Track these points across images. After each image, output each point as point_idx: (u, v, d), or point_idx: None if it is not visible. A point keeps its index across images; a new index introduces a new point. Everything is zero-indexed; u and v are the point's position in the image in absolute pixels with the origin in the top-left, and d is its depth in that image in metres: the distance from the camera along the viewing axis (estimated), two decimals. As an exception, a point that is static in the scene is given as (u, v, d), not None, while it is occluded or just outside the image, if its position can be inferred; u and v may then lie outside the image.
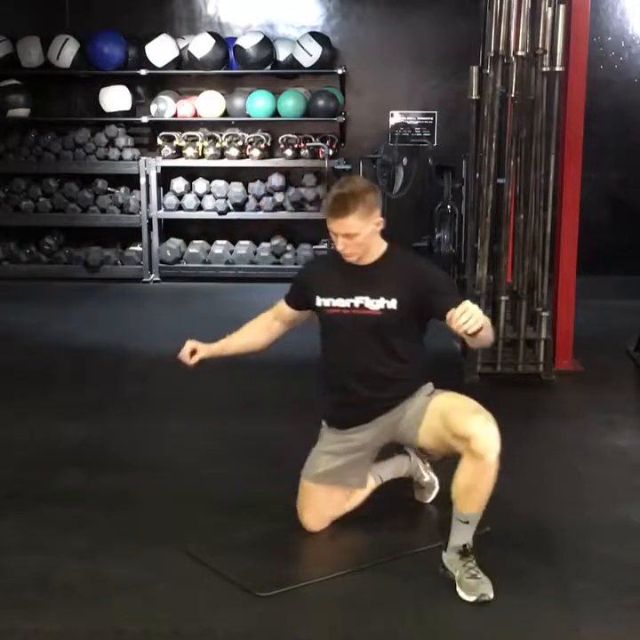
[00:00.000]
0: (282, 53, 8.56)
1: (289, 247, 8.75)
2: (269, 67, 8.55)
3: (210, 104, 8.60)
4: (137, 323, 7.19)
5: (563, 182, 5.64)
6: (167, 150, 8.61)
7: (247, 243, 8.78)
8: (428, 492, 3.75)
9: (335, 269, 3.42)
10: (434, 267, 3.65)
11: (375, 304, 3.32)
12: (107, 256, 8.73)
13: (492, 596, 3.03)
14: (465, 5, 7.66)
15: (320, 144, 8.40)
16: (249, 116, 8.62)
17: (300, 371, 5.32)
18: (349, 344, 3.39)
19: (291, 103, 8.51)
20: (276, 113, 8.57)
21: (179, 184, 8.72)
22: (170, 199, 8.69)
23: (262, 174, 8.71)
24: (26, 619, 2.98)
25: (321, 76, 8.73)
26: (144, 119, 8.71)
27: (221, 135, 8.65)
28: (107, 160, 8.69)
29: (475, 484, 3.09)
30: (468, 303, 3.02)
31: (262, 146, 8.60)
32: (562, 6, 5.31)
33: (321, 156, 8.42)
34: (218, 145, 8.62)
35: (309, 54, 8.43)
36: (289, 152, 8.61)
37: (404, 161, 7.89)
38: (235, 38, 8.54)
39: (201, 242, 8.83)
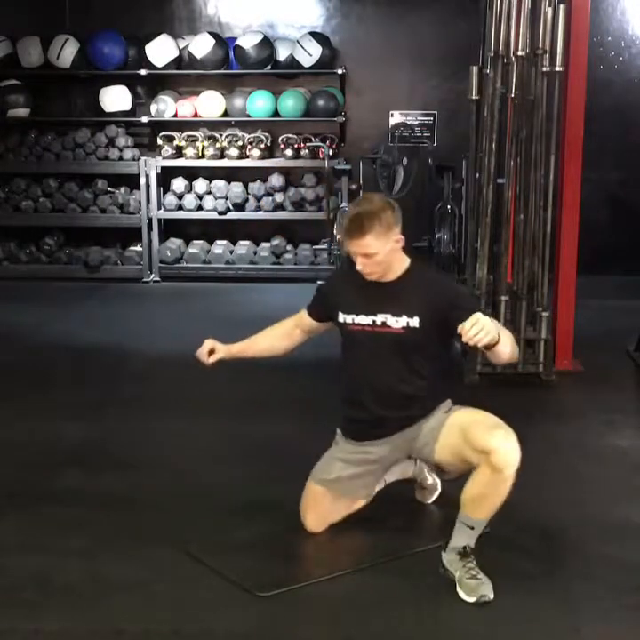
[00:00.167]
0: (282, 53, 8.56)
1: (289, 247, 8.75)
2: (269, 67, 8.55)
3: (210, 104, 8.60)
4: (137, 323, 7.19)
5: (563, 182, 5.64)
6: (167, 150, 8.61)
7: (247, 243, 8.78)
8: (430, 494, 3.74)
9: (358, 285, 3.36)
10: (455, 283, 3.62)
11: (397, 322, 3.29)
12: (107, 256, 8.73)
13: (492, 596, 3.03)
14: (465, 5, 7.67)
15: (320, 144, 8.40)
16: (249, 116, 8.62)
17: (302, 371, 5.34)
18: (370, 361, 3.37)
19: (291, 103, 8.52)
20: (276, 113, 8.57)
21: (179, 184, 8.72)
22: (170, 199, 8.69)
23: (262, 174, 8.70)
24: (26, 619, 2.98)
25: (321, 76, 8.72)
26: (144, 119, 8.71)
27: (221, 135, 8.65)
28: (107, 160, 8.69)
29: (488, 495, 3.08)
30: (478, 315, 3.00)
31: (262, 146, 8.60)
32: (562, 6, 5.31)
33: (321, 156, 8.42)
34: (218, 145, 8.62)
35: (309, 54, 8.43)
36: (289, 152, 8.61)
37: (404, 161, 7.89)
38: (235, 38, 8.54)
39: (201, 242, 8.83)
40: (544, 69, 5.34)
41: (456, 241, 7.51)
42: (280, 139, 8.66)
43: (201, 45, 8.40)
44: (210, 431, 4.68)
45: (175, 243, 8.74)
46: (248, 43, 8.37)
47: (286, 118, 8.57)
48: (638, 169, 8.57)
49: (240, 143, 8.60)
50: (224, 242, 8.81)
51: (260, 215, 8.72)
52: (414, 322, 3.28)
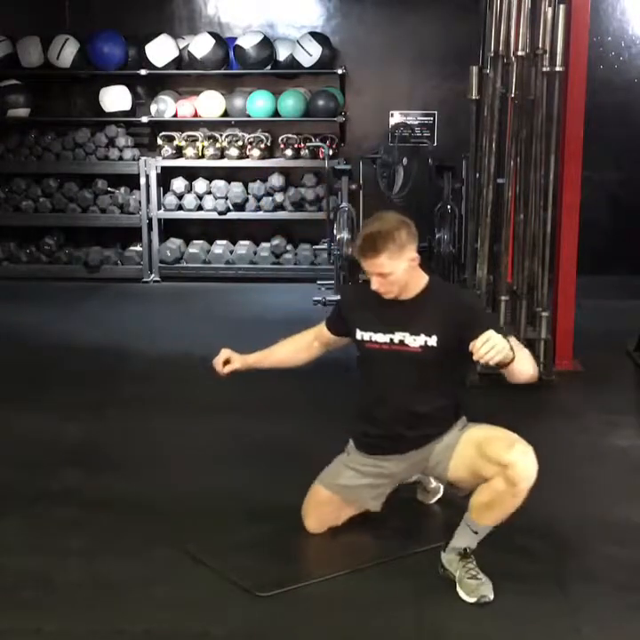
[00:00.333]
0: (282, 53, 8.56)
1: (289, 247, 8.75)
2: (269, 67, 8.55)
3: (210, 104, 8.60)
4: (137, 323, 7.19)
5: (563, 182, 5.64)
6: (167, 150, 8.61)
7: (247, 243, 8.78)
8: (432, 496, 3.73)
9: (375, 302, 3.30)
10: (475, 300, 3.54)
11: (415, 341, 3.24)
12: (107, 256, 8.73)
13: (492, 596, 3.03)
14: (465, 5, 7.67)
15: (320, 144, 8.39)
16: (249, 116, 8.62)
17: (304, 371, 5.32)
18: (387, 379, 3.33)
19: (291, 103, 8.51)
20: (276, 113, 8.57)
21: (179, 184, 8.72)
22: (170, 199, 8.69)
23: (262, 174, 8.70)
24: (26, 619, 2.98)
25: (321, 76, 8.72)
26: (144, 119, 8.70)
27: (221, 135, 8.65)
28: (107, 160, 8.69)
29: (498, 505, 3.06)
30: (490, 333, 2.93)
31: (262, 146, 8.60)
32: (562, 6, 5.31)
33: (321, 156, 8.42)
34: (218, 145, 8.62)
35: (309, 54, 8.42)
36: (289, 152, 8.61)
37: (404, 161, 7.88)
38: (235, 38, 8.54)
39: (201, 242, 8.83)
40: (544, 69, 5.34)
41: (456, 241, 7.50)
42: (280, 139, 8.66)
43: (201, 45, 8.40)
44: (210, 431, 4.68)
45: (175, 243, 8.74)
46: (248, 43, 8.37)
47: (286, 118, 8.57)
48: (638, 169, 8.57)
49: (240, 143, 8.60)
50: (224, 242, 8.80)
51: (260, 215, 8.72)
52: (432, 341, 3.22)
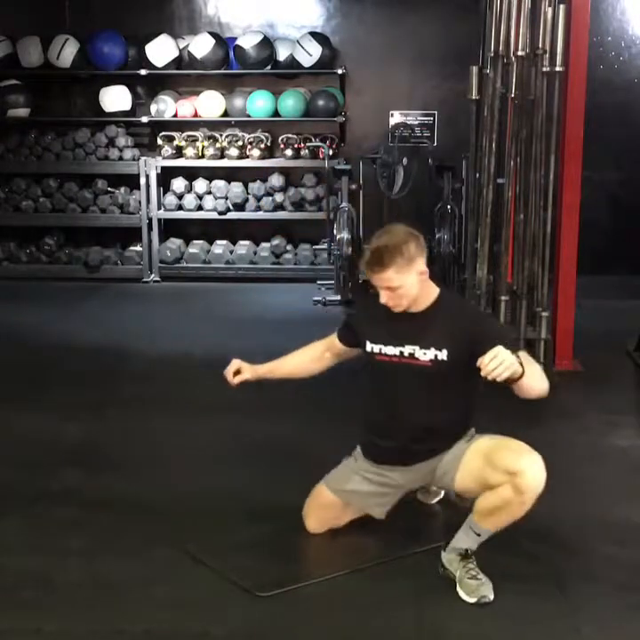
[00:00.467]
0: (282, 53, 8.56)
1: (289, 247, 8.75)
2: (269, 67, 8.55)
3: (210, 104, 8.60)
4: (137, 323, 7.19)
5: (563, 182, 5.64)
6: (167, 150, 8.61)
7: (247, 243, 8.78)
8: (433, 497, 3.72)
9: (386, 315, 3.26)
10: (486, 313, 3.50)
11: (425, 354, 3.21)
12: (107, 256, 8.73)
13: (492, 597, 3.03)
14: (465, 5, 7.67)
15: (320, 144, 8.40)
16: (249, 116, 8.62)
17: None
18: (396, 392, 3.30)
19: (291, 103, 8.51)
20: (276, 113, 8.57)
21: (179, 184, 8.72)
22: (170, 199, 8.69)
23: (262, 174, 8.70)
24: (26, 619, 2.98)
25: (321, 76, 8.72)
26: (144, 119, 8.71)
27: (221, 135, 8.65)
28: (107, 160, 8.69)
29: (503, 511, 3.05)
30: (498, 349, 2.89)
31: (262, 146, 8.60)
32: (562, 6, 5.31)
33: (321, 156, 8.42)
34: (218, 145, 8.62)
35: (309, 54, 8.43)
36: (289, 152, 8.61)
37: (404, 161, 7.88)
38: (235, 38, 8.54)
39: (201, 242, 8.83)
40: (544, 69, 5.34)
41: (456, 241, 7.51)
42: (280, 139, 8.66)
43: (201, 45, 8.40)
44: (210, 431, 4.68)
45: (175, 243, 8.74)
46: (248, 43, 8.37)
47: (286, 118, 8.57)
48: (638, 169, 8.57)
49: (240, 143, 8.60)
50: (224, 242, 8.81)
51: (260, 215, 8.72)
52: (443, 355, 3.18)
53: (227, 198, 8.67)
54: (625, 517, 3.71)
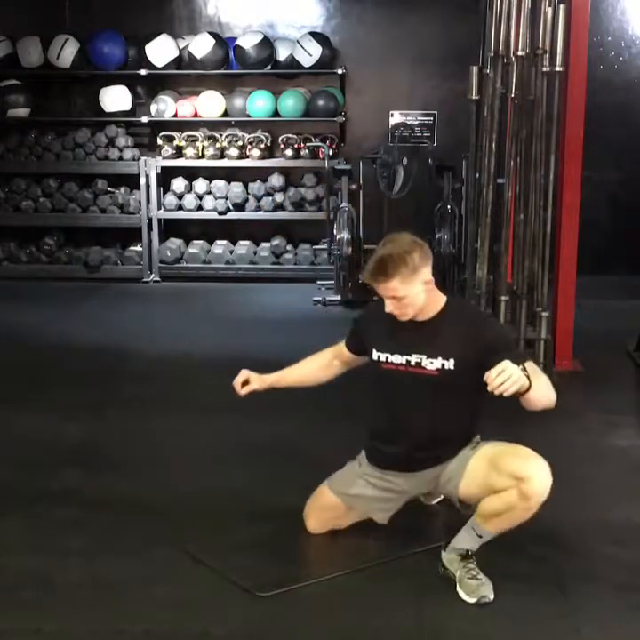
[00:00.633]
0: (282, 53, 8.56)
1: (289, 247, 8.75)
2: (269, 67, 8.55)
3: (210, 104, 8.60)
4: (137, 323, 7.19)
5: (563, 182, 5.64)
6: (167, 150, 8.61)
7: (247, 243, 8.78)
8: (433, 498, 3.72)
9: (392, 323, 3.24)
10: (494, 322, 3.46)
11: (432, 363, 3.19)
12: (107, 256, 8.73)
13: (492, 597, 3.03)
14: (465, 5, 7.67)
15: (320, 144, 8.40)
16: (249, 116, 8.62)
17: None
18: (402, 401, 3.29)
19: (291, 103, 8.51)
20: (276, 113, 8.57)
21: (179, 184, 8.72)
22: (170, 199, 8.69)
23: (262, 174, 8.70)
24: (26, 619, 2.98)
25: (321, 76, 8.72)
26: (144, 119, 8.71)
27: (221, 135, 8.65)
28: (107, 160, 8.69)
29: (506, 515, 3.05)
30: (505, 363, 2.88)
31: (262, 146, 8.60)
32: (562, 6, 5.31)
33: (321, 156, 8.42)
34: (218, 145, 8.62)
35: (309, 54, 8.43)
36: (289, 152, 8.61)
37: (404, 161, 7.88)
38: (235, 38, 8.54)
39: (201, 242, 8.83)
40: (544, 69, 5.34)
41: (456, 241, 7.51)
42: (280, 139, 8.66)
43: (201, 45, 8.40)
44: (210, 431, 4.68)
45: (175, 243, 8.74)
46: (248, 43, 8.37)
47: (286, 118, 8.57)
48: (638, 169, 8.57)
49: (240, 143, 8.60)
50: (224, 242, 8.81)
51: (260, 215, 8.72)
52: (450, 364, 3.17)
53: (227, 198, 8.67)
54: (625, 517, 3.71)
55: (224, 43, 8.46)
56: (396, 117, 8.73)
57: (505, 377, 2.86)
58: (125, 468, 4.21)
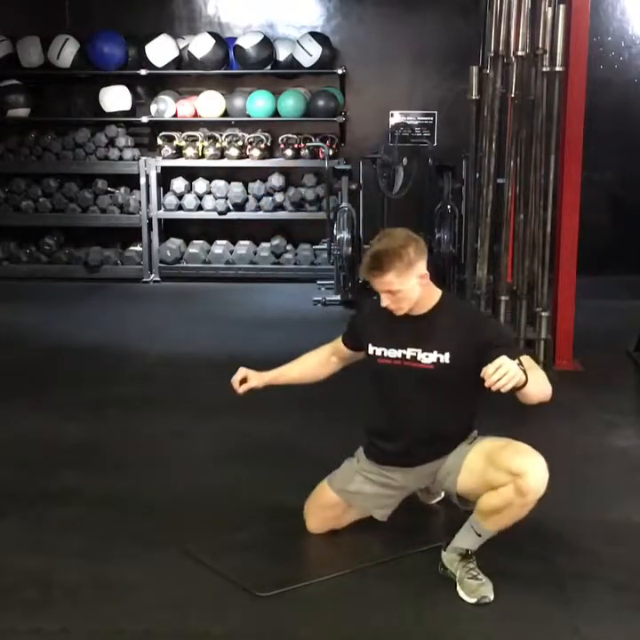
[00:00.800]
0: (282, 53, 8.57)
1: (289, 247, 8.75)
2: (269, 67, 8.56)
3: (210, 104, 8.60)
4: (137, 323, 7.19)
5: (563, 182, 5.64)
6: (167, 150, 8.62)
7: (247, 243, 8.79)
8: (433, 497, 3.72)
9: (388, 318, 3.24)
10: (490, 317, 3.46)
11: (427, 357, 3.19)
12: (107, 256, 8.73)
13: (492, 597, 3.03)
14: (465, 5, 7.68)
15: (320, 144, 8.40)
16: (249, 116, 8.63)
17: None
18: (398, 396, 3.30)
19: (291, 103, 8.52)
20: (276, 113, 8.58)
21: (179, 184, 8.72)
22: (170, 199, 8.69)
23: (262, 174, 8.71)
24: (26, 619, 2.98)
25: (321, 76, 8.73)
26: (144, 119, 8.71)
27: (221, 135, 8.65)
28: (107, 160, 8.69)
29: (504, 512, 3.05)
30: (502, 359, 2.87)
31: (262, 146, 8.60)
32: (562, 6, 5.31)
33: (321, 156, 8.42)
34: (218, 145, 8.62)
35: (309, 54, 8.43)
36: (289, 152, 8.61)
37: (404, 161, 7.89)
38: (235, 38, 8.54)
39: (201, 242, 8.83)
40: (544, 69, 5.34)
41: (456, 241, 7.51)
42: (280, 139, 8.67)
43: (201, 45, 8.40)
44: (210, 431, 4.68)
45: (175, 243, 8.74)
46: (248, 43, 8.37)
47: (286, 118, 8.58)
48: (638, 169, 8.57)
49: (240, 143, 8.61)
50: (224, 242, 8.81)
51: (260, 215, 8.72)
52: (445, 358, 3.17)
53: (227, 198, 8.67)
54: (625, 517, 3.71)
55: (224, 43, 8.46)
56: (395, 117, 8.73)
57: (502, 373, 2.85)
58: (125, 468, 4.21)
